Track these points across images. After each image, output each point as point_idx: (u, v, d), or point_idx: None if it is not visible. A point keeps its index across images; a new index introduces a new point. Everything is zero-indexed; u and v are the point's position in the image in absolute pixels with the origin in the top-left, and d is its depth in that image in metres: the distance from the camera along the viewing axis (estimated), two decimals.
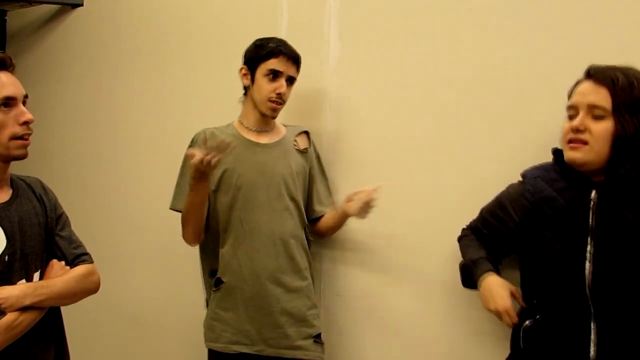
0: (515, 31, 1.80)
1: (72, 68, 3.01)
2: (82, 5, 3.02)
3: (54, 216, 1.60)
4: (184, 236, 2.00)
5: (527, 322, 1.47)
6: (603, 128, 1.34)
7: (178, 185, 2.04)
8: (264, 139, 2.04)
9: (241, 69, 2.04)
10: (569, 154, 1.39)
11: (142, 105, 2.77)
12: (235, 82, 2.43)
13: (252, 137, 2.03)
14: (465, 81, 1.89)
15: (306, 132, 2.12)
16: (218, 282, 2.01)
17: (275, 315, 1.95)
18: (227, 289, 1.98)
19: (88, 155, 2.90)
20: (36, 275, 1.54)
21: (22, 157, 1.48)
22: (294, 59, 1.99)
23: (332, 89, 2.17)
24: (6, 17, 3.40)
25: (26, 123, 1.45)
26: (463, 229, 1.76)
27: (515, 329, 1.52)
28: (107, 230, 2.82)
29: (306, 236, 2.06)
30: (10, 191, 1.52)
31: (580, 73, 1.46)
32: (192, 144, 2.02)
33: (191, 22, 2.59)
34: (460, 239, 1.74)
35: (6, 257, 1.45)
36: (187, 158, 1.95)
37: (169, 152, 2.66)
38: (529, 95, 1.75)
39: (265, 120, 2.04)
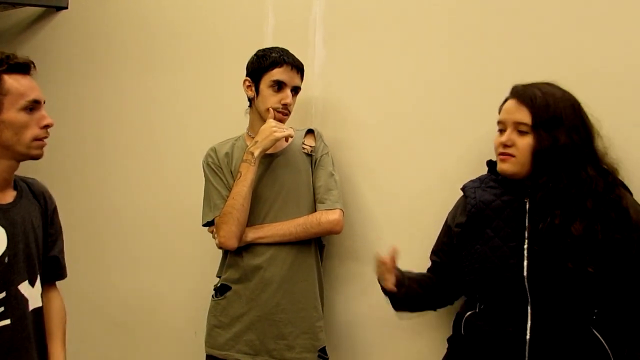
0: (500, 34, 1.84)
1: (56, 71, 3.00)
2: (66, 8, 3.00)
3: (51, 223, 1.64)
4: (223, 237, 1.92)
5: (468, 312, 1.62)
6: (526, 143, 1.51)
7: (207, 197, 2.02)
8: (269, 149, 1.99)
9: (244, 80, 2.02)
10: (500, 166, 1.58)
11: (128, 108, 2.77)
12: (220, 84, 2.44)
13: None
14: (449, 84, 1.93)
15: (312, 131, 2.07)
16: (223, 290, 2.00)
17: (279, 326, 1.93)
18: (232, 297, 1.97)
19: (72, 157, 2.90)
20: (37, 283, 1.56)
21: (39, 157, 1.55)
22: (298, 68, 1.97)
23: (317, 93, 2.19)
24: None
25: (46, 127, 1.53)
26: None
27: (457, 317, 1.68)
28: (96, 234, 2.82)
29: (318, 242, 2.04)
30: (14, 192, 1.56)
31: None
32: (209, 166, 2.03)
33: (177, 26, 2.59)
34: None
35: (6, 259, 1.47)
36: (207, 169, 2.01)
37: (154, 154, 2.68)
38: None
39: None
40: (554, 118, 1.49)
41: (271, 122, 1.92)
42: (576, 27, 1.73)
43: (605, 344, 1.48)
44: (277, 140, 1.91)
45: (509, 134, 1.53)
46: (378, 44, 2.07)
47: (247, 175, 1.91)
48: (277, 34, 2.28)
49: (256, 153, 1.90)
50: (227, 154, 2.04)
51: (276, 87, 1.95)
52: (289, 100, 1.95)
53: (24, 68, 1.51)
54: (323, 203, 1.96)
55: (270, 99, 1.96)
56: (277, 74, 1.95)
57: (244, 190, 1.91)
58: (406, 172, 2.02)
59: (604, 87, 1.67)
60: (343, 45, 2.15)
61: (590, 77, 1.68)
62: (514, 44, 1.81)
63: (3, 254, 1.46)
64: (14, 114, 1.47)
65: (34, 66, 1.54)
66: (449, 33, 1.93)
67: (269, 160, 1.99)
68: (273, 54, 1.96)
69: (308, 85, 2.15)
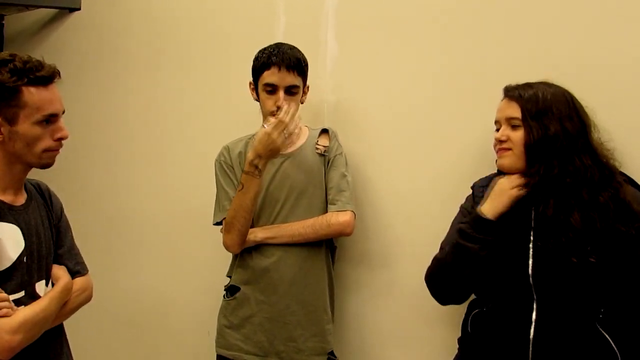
0: (513, 32, 1.82)
1: (69, 72, 3.00)
2: (79, 9, 3.01)
3: (57, 222, 1.64)
4: (228, 242, 1.94)
5: (475, 310, 1.63)
6: (519, 135, 1.54)
7: (218, 197, 2.01)
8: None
9: (250, 83, 2.01)
10: (499, 162, 1.61)
11: (140, 109, 2.77)
12: (230, 85, 2.43)
13: None
14: (461, 81, 1.91)
15: (326, 131, 2.04)
16: (234, 290, 1.99)
17: (289, 328, 1.91)
18: (242, 298, 1.96)
19: (83, 157, 2.91)
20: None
21: (50, 165, 1.54)
22: (289, 67, 1.90)
23: (329, 92, 2.18)
24: (3, 22, 3.38)
25: (60, 139, 1.51)
26: None
27: (465, 315, 1.69)
28: (107, 233, 2.83)
29: (329, 244, 2.02)
30: (25, 195, 1.56)
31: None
32: (220, 165, 2.02)
33: (188, 25, 2.59)
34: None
35: (24, 259, 1.48)
36: (218, 168, 2.00)
37: (165, 154, 2.68)
38: None
39: None
40: (544, 108, 1.52)
41: (267, 130, 1.84)
42: (577, 28, 1.71)
43: (612, 343, 1.46)
44: (280, 150, 1.86)
45: (503, 130, 1.58)
46: (390, 42, 2.05)
47: (251, 188, 1.87)
48: (288, 33, 2.26)
49: (260, 166, 1.86)
50: (240, 153, 2.02)
51: (269, 90, 1.92)
52: (280, 102, 1.89)
53: (46, 80, 1.47)
54: (334, 204, 1.94)
55: (266, 102, 1.93)
56: (267, 76, 1.91)
57: (247, 204, 1.88)
58: (422, 172, 1.99)
59: (604, 86, 1.65)
60: (355, 43, 2.13)
61: (592, 77, 1.67)
62: (524, 43, 1.78)
63: (21, 254, 1.47)
64: (28, 127, 1.45)
65: (59, 75, 1.50)
66: (461, 30, 1.90)
67: (280, 160, 1.97)
68: (263, 55, 1.93)
69: (320, 84, 2.14)
